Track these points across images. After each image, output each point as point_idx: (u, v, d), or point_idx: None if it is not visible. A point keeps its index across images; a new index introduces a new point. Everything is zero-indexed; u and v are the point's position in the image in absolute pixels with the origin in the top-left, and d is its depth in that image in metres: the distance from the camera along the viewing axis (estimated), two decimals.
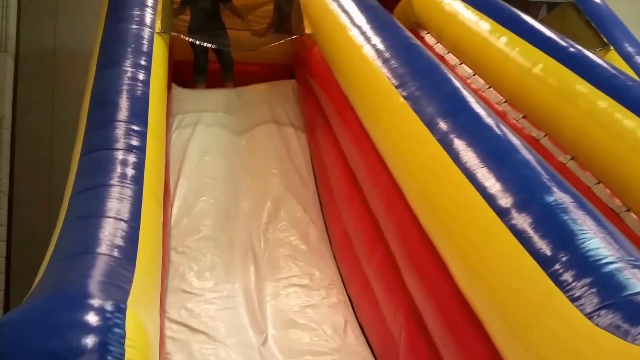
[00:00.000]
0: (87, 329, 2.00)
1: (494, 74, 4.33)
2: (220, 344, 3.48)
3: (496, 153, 2.51)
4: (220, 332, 3.58)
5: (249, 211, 4.62)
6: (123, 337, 2.00)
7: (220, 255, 4.23)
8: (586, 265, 2.00)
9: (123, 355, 1.96)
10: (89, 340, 1.96)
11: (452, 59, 4.94)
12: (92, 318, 2.04)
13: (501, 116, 3.96)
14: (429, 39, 5.31)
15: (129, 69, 3.91)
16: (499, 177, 2.36)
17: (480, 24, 4.49)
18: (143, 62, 4.03)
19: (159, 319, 2.97)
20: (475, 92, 4.07)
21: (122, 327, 2.03)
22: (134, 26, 4.31)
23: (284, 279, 4.15)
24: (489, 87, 4.41)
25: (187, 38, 5.25)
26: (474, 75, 4.59)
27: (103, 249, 2.70)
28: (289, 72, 6.20)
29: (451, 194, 2.52)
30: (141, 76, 3.91)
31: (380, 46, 3.59)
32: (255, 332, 3.65)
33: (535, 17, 4.71)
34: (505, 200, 2.28)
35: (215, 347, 3.45)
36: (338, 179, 4.43)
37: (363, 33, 3.81)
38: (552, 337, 1.95)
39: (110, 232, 2.81)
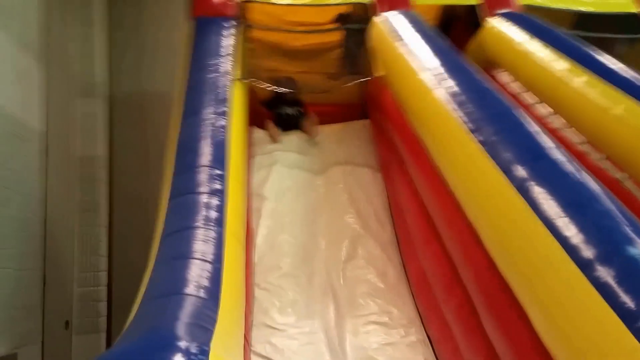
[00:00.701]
0: None
1: (572, 114, 4.17)
2: None
3: (577, 202, 2.40)
4: None
5: (327, 249, 4.64)
6: None
7: (301, 291, 4.27)
8: None
9: None
10: None
11: (527, 97, 4.81)
12: (179, 359, 2.09)
13: (582, 157, 3.81)
14: (503, 77, 5.19)
15: (210, 116, 4.04)
16: (581, 228, 2.25)
17: (557, 62, 4.35)
18: (223, 109, 4.16)
19: (242, 354, 3.01)
20: (553, 133, 3.94)
21: None
22: (214, 74, 4.44)
23: (363, 316, 4.12)
24: (569, 127, 4.24)
25: (265, 86, 5.40)
26: (553, 114, 4.44)
27: (190, 289, 2.79)
28: (359, 111, 6.22)
29: (531, 244, 2.41)
30: (221, 122, 4.04)
31: (453, 89, 3.49)
32: None
33: (613, 52, 4.49)
34: (587, 252, 2.17)
35: None
36: (414, 218, 4.37)
37: (435, 76, 3.73)
38: None
39: (197, 273, 2.89)
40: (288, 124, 5.83)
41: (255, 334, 3.90)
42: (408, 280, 4.45)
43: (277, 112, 5.90)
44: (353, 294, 4.30)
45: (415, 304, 4.27)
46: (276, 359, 3.67)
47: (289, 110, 5.90)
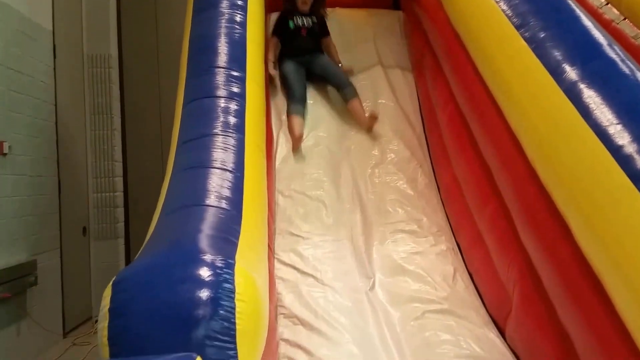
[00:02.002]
0: (201, 284, 2.09)
1: (628, 4, 3.93)
2: (328, 288, 3.55)
3: (634, 107, 2.29)
4: (327, 275, 3.65)
5: (354, 154, 4.60)
6: (233, 291, 2.09)
7: (326, 198, 4.26)
8: None
9: (234, 309, 2.06)
10: (203, 295, 2.06)
11: None
12: (204, 273, 2.13)
13: (638, 52, 3.63)
14: None
15: (226, 11, 3.88)
16: (635, 137, 2.17)
17: None
18: (239, 2, 4.00)
19: (267, 265, 3.06)
20: (607, 25, 3.74)
21: (231, 282, 2.11)
22: None
23: (391, 224, 4.13)
24: (624, 19, 4.01)
25: None
26: (606, 4, 4.19)
27: (211, 200, 2.80)
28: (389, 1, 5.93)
29: (578, 153, 2.34)
30: (238, 18, 3.89)
31: None
32: (362, 277, 3.69)
33: None
34: None
35: (324, 290, 3.53)
36: (448, 123, 4.28)
37: None
38: None
39: (217, 183, 2.90)
40: (300, 48, 5.06)
41: (279, 242, 3.94)
42: (438, 188, 4.43)
43: (285, 30, 5.03)
44: (381, 201, 4.30)
45: (446, 212, 4.28)
46: (300, 267, 3.71)
47: (303, 22, 5.05)
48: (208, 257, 2.21)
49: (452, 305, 3.48)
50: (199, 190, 2.85)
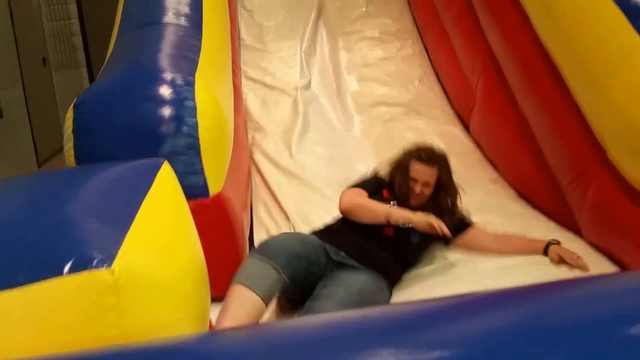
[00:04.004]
0: (162, 102, 2.13)
1: None
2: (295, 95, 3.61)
3: None
4: (292, 85, 3.69)
5: None
6: (194, 108, 2.14)
7: (290, 10, 4.20)
8: None
9: (197, 125, 2.11)
10: (165, 113, 2.11)
11: None
12: (165, 92, 2.16)
13: None
14: None
15: None
16: None
17: None
18: None
19: (230, 80, 3.06)
20: None
21: (192, 99, 2.15)
22: None
23: (357, 32, 4.10)
24: None
25: None
26: None
27: (170, 17, 2.73)
28: None
29: None
30: None
31: None
32: (326, 84, 3.74)
33: None
34: None
35: (290, 100, 3.58)
36: None
37: None
38: (631, 86, 1.94)
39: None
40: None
41: (245, 58, 3.93)
42: None
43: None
44: (345, 8, 4.23)
45: (413, 14, 4.23)
46: (267, 81, 3.74)
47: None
48: (168, 76, 2.22)
49: (417, 105, 3.57)
50: (157, 8, 2.77)
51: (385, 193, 2.30)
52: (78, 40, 5.59)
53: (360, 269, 2.07)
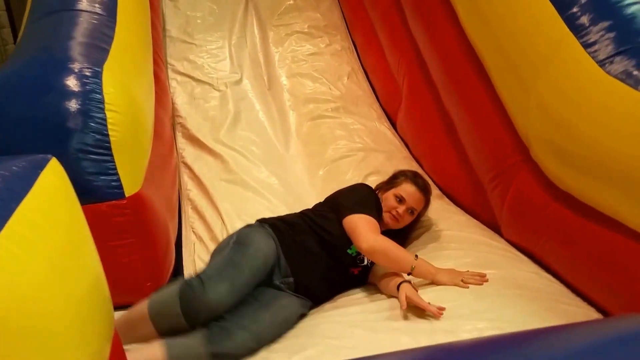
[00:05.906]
0: (67, 95, 1.95)
1: None
2: (224, 92, 3.48)
3: None
4: (222, 81, 3.56)
5: None
6: (102, 101, 1.96)
7: (218, 3, 4.04)
8: (606, 7, 1.82)
9: (105, 119, 1.94)
10: (70, 107, 1.93)
11: None
12: (70, 83, 1.98)
13: None
14: None
15: None
16: None
17: None
18: None
19: (151, 72, 2.88)
20: None
21: (99, 91, 1.98)
22: None
23: (286, 25, 3.99)
24: None
25: None
26: None
27: (83, 4, 2.54)
28: None
29: None
30: None
31: None
32: (257, 78, 3.61)
33: None
34: None
35: (220, 95, 3.46)
36: None
37: None
38: (557, 86, 1.88)
39: None
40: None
41: (172, 51, 3.75)
42: None
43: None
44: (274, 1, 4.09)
45: (342, 10, 4.14)
46: (196, 75, 3.58)
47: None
48: (74, 66, 2.04)
49: (346, 103, 3.49)
50: None
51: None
52: (7, 34, 5.25)
53: (290, 296, 1.95)
